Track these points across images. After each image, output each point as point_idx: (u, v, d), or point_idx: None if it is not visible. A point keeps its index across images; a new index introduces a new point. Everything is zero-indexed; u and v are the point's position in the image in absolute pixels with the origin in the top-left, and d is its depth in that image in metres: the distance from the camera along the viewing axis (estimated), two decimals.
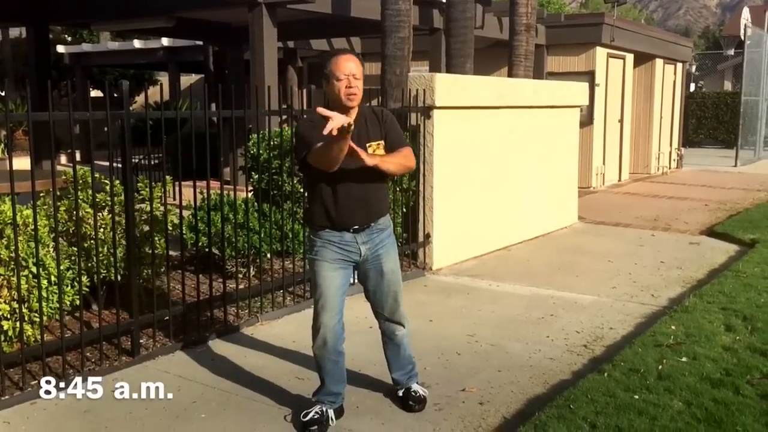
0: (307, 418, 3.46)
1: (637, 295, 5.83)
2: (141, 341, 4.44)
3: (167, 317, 4.63)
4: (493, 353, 4.52)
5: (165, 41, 16.46)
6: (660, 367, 4.03)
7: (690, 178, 14.65)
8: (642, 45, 13.82)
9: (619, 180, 13.82)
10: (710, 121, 24.71)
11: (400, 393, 3.75)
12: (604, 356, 4.41)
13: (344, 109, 3.30)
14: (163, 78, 21.64)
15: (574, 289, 6.02)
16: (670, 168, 15.89)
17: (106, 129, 4.18)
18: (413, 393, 3.73)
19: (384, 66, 8.00)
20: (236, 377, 4.11)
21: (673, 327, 4.72)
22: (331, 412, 3.51)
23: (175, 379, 4.08)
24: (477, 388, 3.97)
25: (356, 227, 3.43)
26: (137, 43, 17.32)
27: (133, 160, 4.63)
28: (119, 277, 4.55)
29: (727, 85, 31.41)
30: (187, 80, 23.06)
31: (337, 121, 2.84)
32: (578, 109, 9.30)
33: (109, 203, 4.56)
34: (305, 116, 3.54)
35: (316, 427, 3.42)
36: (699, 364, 4.08)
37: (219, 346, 4.62)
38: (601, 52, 12.49)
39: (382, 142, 3.44)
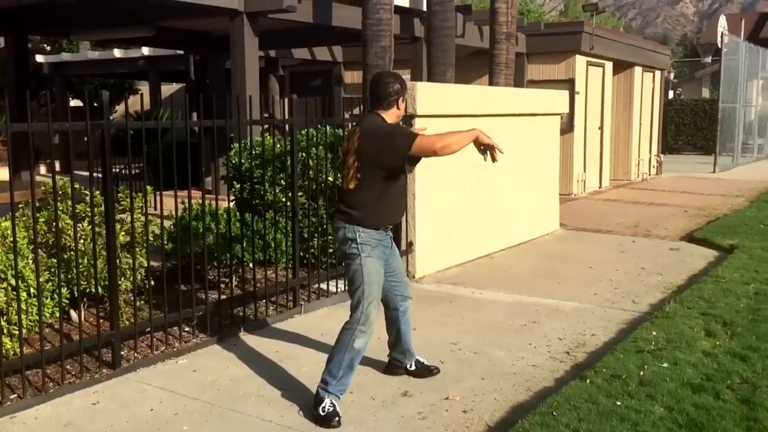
0: (325, 412, 3.65)
1: (619, 302, 5.86)
2: (122, 353, 4.40)
3: (148, 329, 4.60)
4: (477, 361, 4.53)
5: (145, 50, 16.38)
6: (641, 373, 4.06)
7: (669, 184, 14.79)
8: (621, 53, 13.96)
9: (600, 187, 13.92)
10: (689, 128, 25.00)
11: (413, 366, 4.23)
12: (587, 363, 4.43)
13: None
14: (144, 87, 21.54)
15: (556, 295, 6.05)
16: (649, 174, 16.04)
17: (85, 139, 4.14)
18: (426, 363, 4.26)
19: (365, 75, 8.02)
20: (218, 388, 4.09)
21: (654, 333, 4.75)
22: (337, 402, 3.70)
23: (156, 391, 4.05)
24: (460, 396, 3.97)
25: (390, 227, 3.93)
26: (117, 53, 17.22)
27: (114, 170, 4.60)
28: (100, 289, 4.52)
29: (705, 92, 31.77)
30: (168, 89, 22.96)
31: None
32: (558, 116, 9.36)
33: (89, 214, 4.52)
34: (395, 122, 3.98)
35: (337, 419, 3.63)
36: (680, 369, 4.11)
37: (201, 357, 4.59)
38: (580, 60, 12.59)
39: None
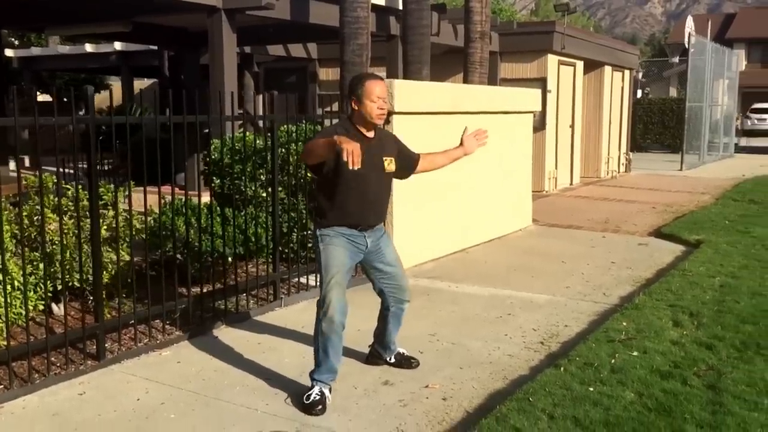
0: (310, 400, 3.74)
1: (590, 294, 6.04)
2: (106, 345, 4.46)
3: (132, 321, 4.66)
4: (455, 351, 4.66)
5: (118, 45, 16.25)
6: (613, 361, 4.22)
7: (638, 181, 15.09)
8: (591, 52, 14.21)
9: (571, 184, 14.16)
10: (657, 127, 25.47)
11: (393, 359, 4.34)
12: (560, 352, 4.59)
13: (371, 126, 3.82)
14: (115, 83, 21.34)
15: (530, 289, 6.21)
16: (619, 172, 16.34)
17: (58, 134, 4.18)
18: (405, 354, 4.38)
19: (343, 72, 8.11)
20: (203, 379, 4.17)
21: (624, 323, 4.93)
22: (327, 391, 3.80)
23: (142, 381, 4.12)
24: (440, 384, 4.10)
25: (367, 227, 3.89)
26: (89, 47, 17.04)
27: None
28: (83, 282, 4.56)
29: (673, 92, 32.38)
30: (139, 84, 22.76)
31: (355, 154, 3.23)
32: (531, 114, 9.54)
33: (72, 208, 4.56)
34: (332, 126, 3.96)
35: (320, 407, 3.71)
36: (649, 357, 4.29)
37: (184, 349, 4.66)
38: (552, 59, 12.81)
39: (394, 158, 3.99)
